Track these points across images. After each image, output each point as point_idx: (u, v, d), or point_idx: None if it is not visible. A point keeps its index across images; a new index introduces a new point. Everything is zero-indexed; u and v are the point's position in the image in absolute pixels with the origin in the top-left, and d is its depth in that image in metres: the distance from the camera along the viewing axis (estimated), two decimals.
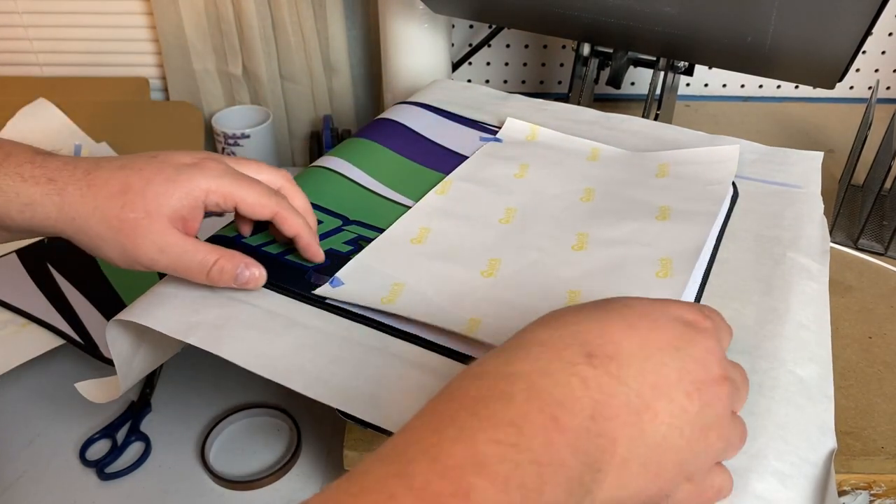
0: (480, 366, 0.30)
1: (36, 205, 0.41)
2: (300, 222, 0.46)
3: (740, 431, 0.34)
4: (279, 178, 0.48)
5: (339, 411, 0.40)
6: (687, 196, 0.55)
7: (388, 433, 0.39)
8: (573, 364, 0.29)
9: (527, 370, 0.29)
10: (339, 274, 0.47)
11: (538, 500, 0.25)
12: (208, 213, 0.45)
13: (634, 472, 0.29)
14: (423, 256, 0.50)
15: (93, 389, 0.48)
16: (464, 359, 0.43)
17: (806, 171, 0.60)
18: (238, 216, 0.48)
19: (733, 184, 0.57)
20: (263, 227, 0.51)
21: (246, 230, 0.50)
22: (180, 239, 0.43)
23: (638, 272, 0.47)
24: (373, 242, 0.51)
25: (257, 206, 0.45)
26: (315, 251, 0.48)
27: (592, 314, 0.32)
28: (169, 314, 0.44)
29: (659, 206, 0.54)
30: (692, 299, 0.46)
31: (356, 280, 0.47)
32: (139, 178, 0.42)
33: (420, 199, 0.56)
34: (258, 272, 0.45)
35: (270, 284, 0.46)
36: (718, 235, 0.52)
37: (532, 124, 0.65)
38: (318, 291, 0.46)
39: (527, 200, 0.55)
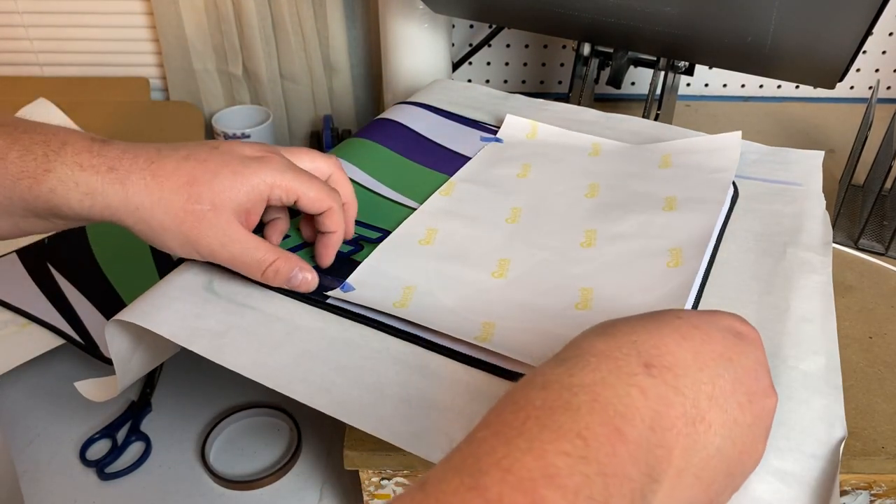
0: (543, 375, 0.30)
1: (97, 194, 0.41)
2: (341, 222, 0.47)
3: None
4: (330, 166, 0.49)
5: None
6: (692, 185, 0.55)
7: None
8: (632, 374, 0.29)
9: (588, 381, 0.29)
10: (350, 279, 0.47)
11: None
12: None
13: (688, 483, 0.29)
14: (433, 257, 0.50)
15: (92, 388, 0.48)
16: (463, 359, 0.43)
17: (807, 169, 0.60)
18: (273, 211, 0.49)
19: (734, 183, 0.57)
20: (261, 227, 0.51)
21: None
22: (242, 235, 0.43)
23: (649, 264, 0.47)
24: (381, 244, 0.50)
25: (317, 201, 0.45)
26: (328, 256, 0.48)
27: (647, 325, 0.32)
28: (170, 318, 0.44)
29: (664, 197, 0.54)
30: (696, 293, 0.46)
31: (367, 285, 0.47)
32: (205, 171, 0.42)
33: (421, 198, 0.56)
34: (311, 277, 0.45)
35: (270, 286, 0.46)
36: (718, 236, 0.52)
37: (532, 120, 0.65)
38: (331, 296, 0.46)
39: (532, 200, 0.55)
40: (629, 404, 0.28)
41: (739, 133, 0.60)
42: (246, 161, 0.44)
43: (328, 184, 0.48)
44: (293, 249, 0.49)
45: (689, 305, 0.45)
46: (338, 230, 0.47)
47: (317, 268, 0.48)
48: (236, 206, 0.43)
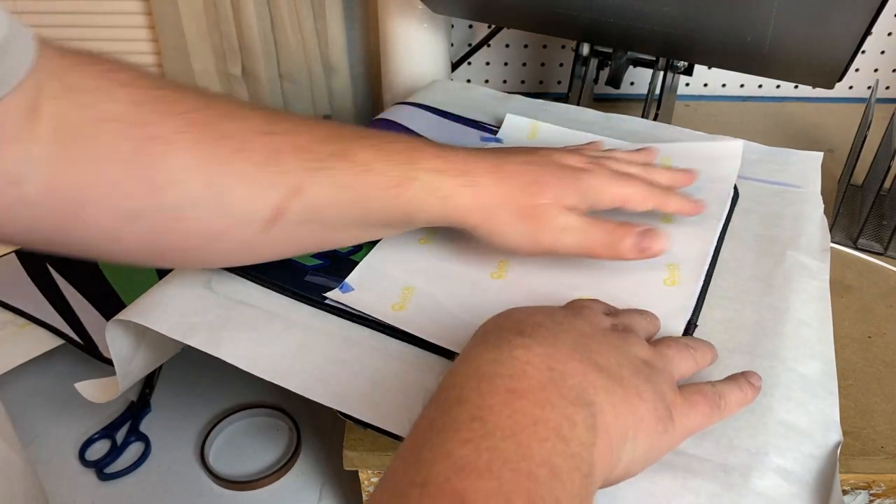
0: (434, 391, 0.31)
1: (454, 196, 0.43)
2: (661, 202, 0.48)
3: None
4: (642, 157, 0.52)
5: (339, 412, 0.40)
6: (690, 194, 0.55)
7: (388, 433, 0.39)
8: (510, 342, 0.31)
9: (471, 370, 0.30)
10: (348, 279, 0.47)
11: (532, 461, 0.26)
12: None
13: (618, 395, 0.31)
14: (432, 257, 0.50)
15: (92, 389, 0.48)
16: None
17: (806, 170, 0.60)
18: None
19: (734, 184, 0.57)
20: None
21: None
22: (577, 219, 0.44)
23: (647, 277, 0.47)
24: (380, 244, 0.50)
25: (641, 201, 0.47)
26: (686, 206, 0.49)
27: (521, 307, 0.36)
28: (168, 315, 0.44)
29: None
30: (695, 300, 0.46)
31: (366, 285, 0.47)
32: (545, 172, 0.45)
33: None
34: (659, 243, 0.45)
35: (270, 284, 0.46)
36: (719, 238, 0.52)
37: (532, 120, 0.65)
38: (330, 296, 0.46)
39: None
40: (515, 366, 0.29)
41: (741, 143, 0.60)
42: (577, 171, 0.46)
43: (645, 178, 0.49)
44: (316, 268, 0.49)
45: (683, 326, 0.45)
46: (670, 207, 0.48)
47: (314, 266, 0.48)
48: (570, 205, 0.44)
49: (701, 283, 0.47)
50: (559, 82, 0.99)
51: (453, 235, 0.52)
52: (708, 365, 0.40)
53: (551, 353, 0.30)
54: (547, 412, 0.27)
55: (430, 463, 0.25)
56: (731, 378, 0.39)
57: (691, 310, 0.46)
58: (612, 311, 0.41)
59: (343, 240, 0.47)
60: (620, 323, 0.38)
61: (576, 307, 0.39)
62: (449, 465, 0.25)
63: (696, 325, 0.45)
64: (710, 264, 0.50)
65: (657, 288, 0.46)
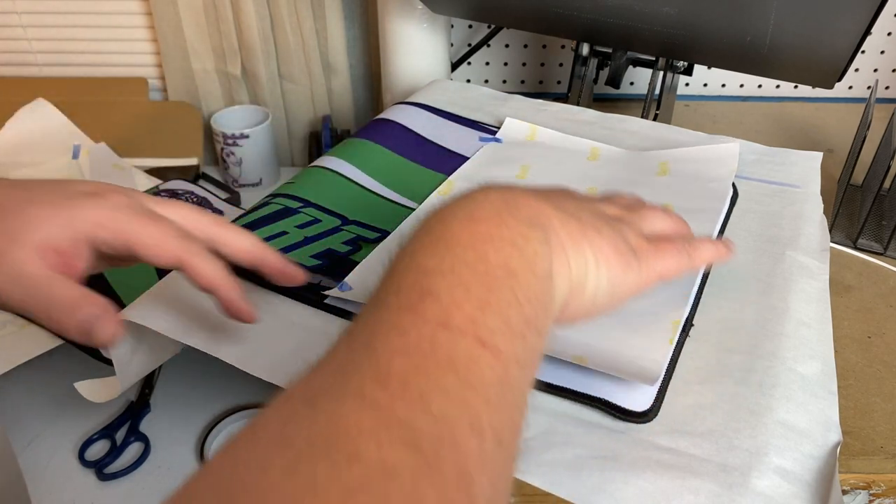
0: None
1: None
2: (215, 274, 0.39)
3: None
4: (203, 223, 0.41)
5: None
6: (689, 195, 0.55)
7: None
8: (472, 192, 0.31)
9: (441, 212, 0.31)
10: (347, 279, 0.47)
11: (489, 263, 0.27)
12: (109, 259, 0.39)
13: (574, 227, 0.32)
14: None
15: (92, 389, 0.48)
16: None
17: (805, 171, 0.60)
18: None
19: (733, 184, 0.57)
20: (259, 225, 0.51)
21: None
22: (41, 272, 0.36)
23: None
24: (381, 244, 0.50)
25: (156, 248, 0.37)
26: (239, 309, 0.40)
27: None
28: (168, 315, 0.44)
29: (662, 205, 0.54)
30: (696, 290, 0.46)
31: (365, 285, 0.47)
32: (19, 200, 0.37)
33: (420, 199, 0.56)
34: (110, 327, 0.37)
35: (269, 284, 0.46)
36: (718, 236, 0.52)
37: (531, 124, 0.65)
38: (329, 294, 0.46)
39: None
40: (474, 201, 0.30)
41: (738, 144, 0.60)
42: (74, 195, 0.37)
43: (190, 234, 0.39)
44: (287, 249, 0.49)
45: (686, 312, 0.45)
46: (213, 285, 0.39)
47: (314, 267, 0.48)
48: (43, 242, 0.36)
49: (701, 272, 0.47)
50: (559, 82, 0.99)
51: None
52: (685, 231, 0.41)
53: (508, 191, 0.31)
54: (502, 230, 0.29)
55: (402, 274, 0.28)
56: (706, 238, 0.40)
57: (692, 297, 0.45)
58: (632, 208, 0.39)
59: None
60: (630, 211, 0.38)
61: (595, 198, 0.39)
62: (418, 272, 0.27)
63: (692, 325, 0.45)
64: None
65: None
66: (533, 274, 0.28)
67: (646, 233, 0.37)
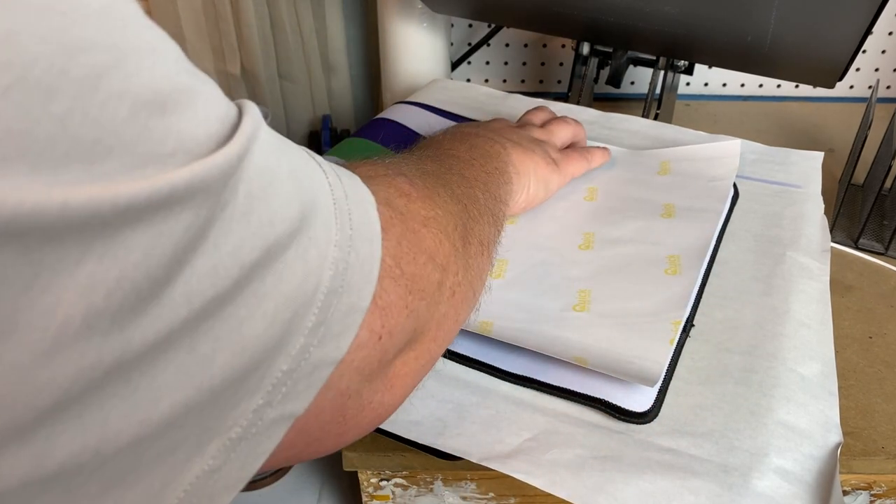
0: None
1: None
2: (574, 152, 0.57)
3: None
4: (545, 116, 0.60)
5: None
6: (690, 193, 0.55)
7: (388, 434, 0.39)
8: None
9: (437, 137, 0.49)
10: None
11: (477, 150, 0.45)
12: None
13: (520, 150, 0.50)
14: None
15: None
16: (460, 359, 0.42)
17: (806, 170, 0.60)
18: None
19: (734, 184, 0.57)
20: None
21: None
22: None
23: (647, 269, 0.47)
24: None
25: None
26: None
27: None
28: None
29: (663, 204, 0.54)
30: (696, 288, 0.46)
31: None
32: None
33: None
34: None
35: None
36: (718, 236, 0.52)
37: None
38: None
39: None
40: (462, 133, 0.48)
41: (739, 142, 0.60)
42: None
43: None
44: None
45: (687, 312, 0.45)
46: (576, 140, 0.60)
47: None
48: None
49: (702, 272, 0.47)
50: (559, 82, 0.99)
51: None
52: (582, 133, 0.59)
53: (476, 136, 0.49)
54: (480, 141, 0.47)
55: (437, 146, 0.45)
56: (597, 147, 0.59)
57: (692, 298, 0.45)
58: (545, 124, 0.58)
59: None
60: (544, 130, 0.56)
61: (521, 124, 0.57)
62: (444, 146, 0.45)
63: (692, 325, 0.45)
64: (709, 261, 0.50)
65: (658, 277, 0.46)
66: (499, 159, 0.47)
67: (558, 145, 0.56)
